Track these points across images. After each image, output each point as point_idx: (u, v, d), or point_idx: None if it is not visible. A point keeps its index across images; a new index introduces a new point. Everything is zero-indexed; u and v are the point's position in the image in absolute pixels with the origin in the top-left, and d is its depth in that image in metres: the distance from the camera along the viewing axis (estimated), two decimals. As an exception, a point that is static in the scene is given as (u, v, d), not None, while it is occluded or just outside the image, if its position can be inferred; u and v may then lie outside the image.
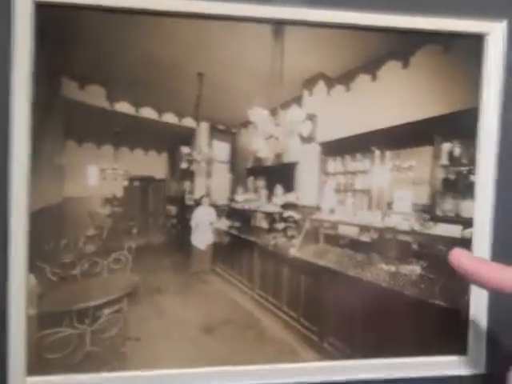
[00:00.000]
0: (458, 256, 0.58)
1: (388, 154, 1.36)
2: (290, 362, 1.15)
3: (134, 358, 1.09)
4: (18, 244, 0.98)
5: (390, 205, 1.34)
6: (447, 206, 1.31)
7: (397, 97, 1.28)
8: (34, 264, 1.03)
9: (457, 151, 1.32)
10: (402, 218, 1.32)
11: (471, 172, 1.26)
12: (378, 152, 1.37)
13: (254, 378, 1.08)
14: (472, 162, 1.25)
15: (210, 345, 1.14)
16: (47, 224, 1.07)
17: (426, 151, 1.33)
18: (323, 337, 1.24)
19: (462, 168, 1.30)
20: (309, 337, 1.25)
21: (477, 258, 0.57)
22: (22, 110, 0.95)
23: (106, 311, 1.11)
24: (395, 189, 1.33)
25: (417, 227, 1.30)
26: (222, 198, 1.34)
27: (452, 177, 1.32)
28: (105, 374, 1.05)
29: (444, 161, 1.33)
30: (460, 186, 1.30)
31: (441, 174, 1.32)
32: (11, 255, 0.98)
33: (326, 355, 1.21)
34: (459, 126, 1.27)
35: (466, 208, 1.27)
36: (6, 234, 0.97)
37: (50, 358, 1.05)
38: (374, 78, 1.28)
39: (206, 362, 1.10)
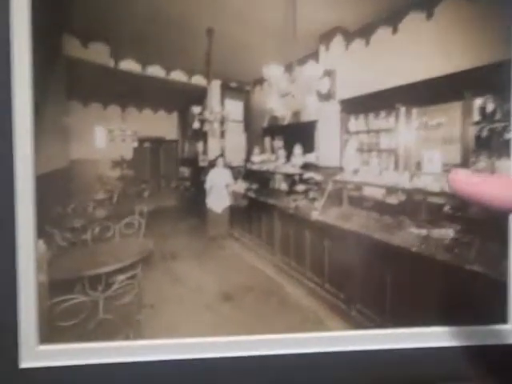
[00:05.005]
0: (457, 178, 0.53)
1: (414, 111, 1.33)
2: (316, 330, 1.11)
3: (150, 325, 1.10)
4: (26, 209, 0.98)
5: (418, 165, 1.32)
6: (481, 165, 1.26)
7: (421, 50, 1.25)
8: (43, 229, 1.03)
9: (490, 107, 1.27)
10: (432, 179, 1.27)
11: (507, 129, 1.20)
12: (403, 109, 1.33)
13: (278, 347, 1.05)
14: (507, 117, 1.20)
15: (229, 312, 1.13)
16: (55, 188, 1.08)
17: (456, 107, 1.29)
18: (350, 304, 1.22)
19: (497, 124, 1.25)
20: (335, 304, 1.24)
21: (480, 176, 0.53)
22: (22, 70, 0.94)
23: (120, 278, 1.12)
24: (423, 148, 1.31)
25: (448, 188, 1.25)
26: (237, 159, 1.32)
27: (485, 134, 1.26)
28: (119, 343, 1.04)
29: (476, 117, 1.27)
30: (495, 143, 1.25)
31: (473, 132, 1.27)
32: (19, 220, 0.97)
33: (353, 324, 1.20)
34: (491, 79, 1.23)
35: (502, 167, 1.22)
36: (12, 198, 0.96)
37: (62, 325, 1.07)
38: (396, 30, 1.25)
39: (225, 331, 1.09)
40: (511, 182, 0.50)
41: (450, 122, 1.24)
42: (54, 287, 1.06)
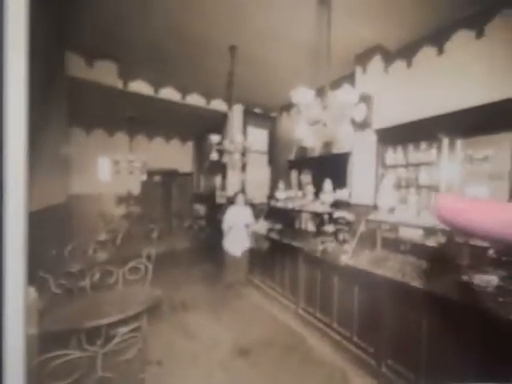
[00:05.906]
0: (443, 205, 0.42)
1: (459, 142, 1.20)
2: (342, 392, 0.99)
3: (155, 386, 0.96)
4: (16, 250, 0.83)
5: (461, 203, 1.17)
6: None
7: (469, 73, 1.13)
8: (35, 274, 0.90)
9: (543, 138, 1.13)
10: (476, 220, 1.14)
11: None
12: (446, 140, 1.20)
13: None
14: None
15: (246, 370, 1.00)
16: (50, 226, 0.94)
17: (506, 139, 1.14)
18: (381, 359, 1.11)
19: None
20: (364, 359, 1.13)
21: (471, 200, 0.41)
22: (17, 91, 0.79)
23: (122, 330, 0.99)
24: (468, 184, 1.19)
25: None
26: (259, 196, 1.21)
27: (538, 169, 1.13)
28: (119, 408, 0.91)
29: (528, 150, 1.14)
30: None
31: (525, 166, 1.14)
32: (7, 264, 0.82)
33: (384, 382, 1.08)
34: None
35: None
36: (1, 238, 0.82)
37: (54, 387, 0.92)
38: (441, 51, 1.11)
39: (240, 393, 0.96)
40: (508, 207, 0.38)
41: (499, 156, 1.11)
42: (45, 341, 0.92)
